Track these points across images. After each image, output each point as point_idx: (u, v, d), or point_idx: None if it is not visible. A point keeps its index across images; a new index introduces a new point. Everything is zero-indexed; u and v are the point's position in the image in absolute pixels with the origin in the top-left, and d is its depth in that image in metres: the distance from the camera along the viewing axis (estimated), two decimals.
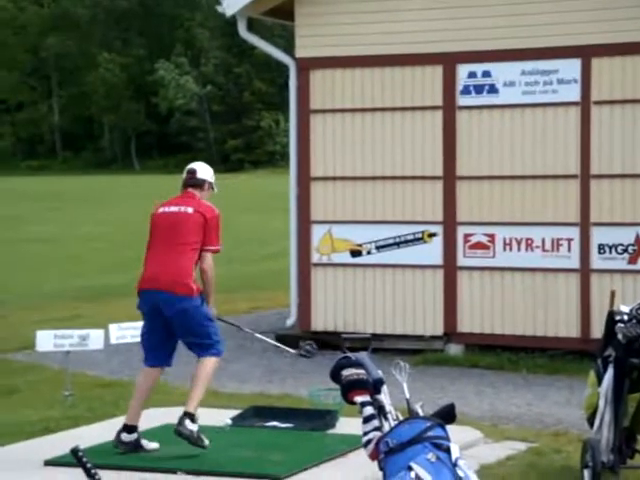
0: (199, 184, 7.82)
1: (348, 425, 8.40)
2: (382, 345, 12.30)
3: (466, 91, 12.46)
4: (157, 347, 7.71)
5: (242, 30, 13.66)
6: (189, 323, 7.54)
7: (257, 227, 29.82)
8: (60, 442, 7.97)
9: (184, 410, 7.52)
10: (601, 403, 7.21)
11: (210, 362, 7.61)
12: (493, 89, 12.34)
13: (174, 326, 7.60)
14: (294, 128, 13.49)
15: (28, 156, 74.04)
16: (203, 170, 7.91)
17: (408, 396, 4.63)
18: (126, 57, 74.21)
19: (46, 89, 78.24)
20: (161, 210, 7.78)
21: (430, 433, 4.32)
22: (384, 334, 12.67)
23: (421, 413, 4.54)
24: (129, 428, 7.64)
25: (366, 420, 4.57)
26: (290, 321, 13.72)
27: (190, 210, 7.66)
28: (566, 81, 12.06)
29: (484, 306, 12.46)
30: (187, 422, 7.46)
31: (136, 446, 7.59)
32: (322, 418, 8.70)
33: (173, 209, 7.72)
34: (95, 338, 10.31)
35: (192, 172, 7.85)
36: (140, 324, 10.51)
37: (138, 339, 10.66)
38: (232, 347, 12.18)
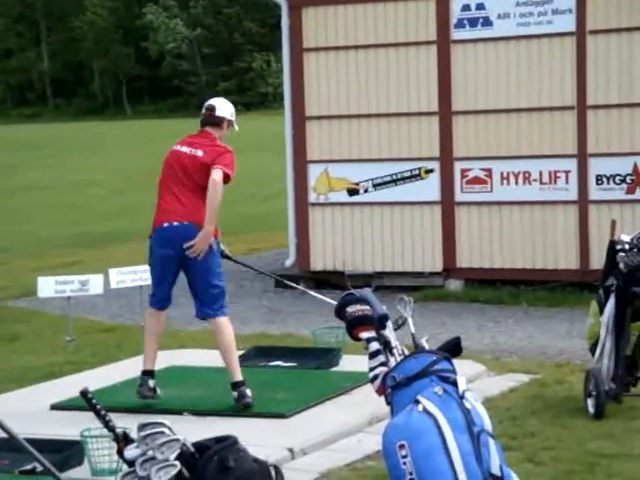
0: (217, 122, 7.49)
1: (351, 362, 8.43)
2: (382, 283, 12.33)
3: (460, 25, 12.35)
4: (167, 291, 7.53)
5: None
6: (203, 265, 7.31)
7: (253, 169, 29.72)
8: (65, 386, 8.01)
9: (233, 382, 7.36)
10: (602, 332, 7.24)
11: (224, 325, 7.39)
12: (487, 22, 12.24)
13: (188, 266, 7.36)
14: (288, 68, 13.39)
15: (19, 104, 73.56)
16: (223, 107, 7.55)
17: (413, 330, 4.63)
18: (114, 1, 73.49)
19: (34, 35, 77.57)
20: (175, 148, 7.50)
21: (436, 367, 4.32)
22: (383, 272, 12.68)
23: (427, 347, 4.54)
24: (149, 373, 7.51)
25: (372, 356, 4.57)
26: (289, 261, 13.73)
27: (200, 153, 7.36)
28: (561, 11, 11.96)
29: (483, 241, 12.46)
30: (247, 391, 7.32)
31: (155, 390, 7.53)
32: (325, 356, 8.73)
33: (185, 149, 7.43)
34: (95, 283, 10.32)
35: (211, 109, 7.50)
36: (140, 268, 10.57)
37: (138, 283, 10.72)
38: (232, 288, 12.18)
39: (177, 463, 3.77)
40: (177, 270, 7.48)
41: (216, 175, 7.23)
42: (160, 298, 7.54)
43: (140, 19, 69.89)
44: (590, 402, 7.18)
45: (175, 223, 7.33)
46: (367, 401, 7.08)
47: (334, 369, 8.58)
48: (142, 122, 53.04)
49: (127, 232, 18.89)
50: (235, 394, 7.36)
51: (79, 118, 63.93)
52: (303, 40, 13.01)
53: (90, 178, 30.75)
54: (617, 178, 11.89)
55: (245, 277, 14.09)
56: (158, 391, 7.51)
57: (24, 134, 46.89)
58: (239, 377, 7.39)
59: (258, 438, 6.47)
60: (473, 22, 12.30)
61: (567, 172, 12.06)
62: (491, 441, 4.08)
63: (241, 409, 7.31)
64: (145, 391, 7.45)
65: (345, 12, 12.82)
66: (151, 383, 7.48)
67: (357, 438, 6.91)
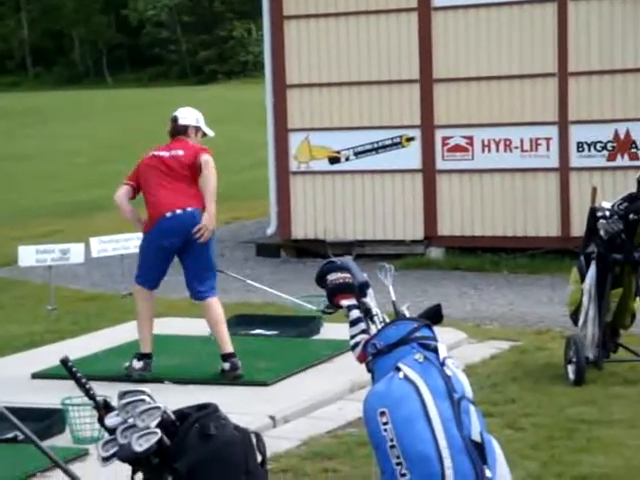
0: (183, 131, 7.54)
1: (332, 330, 8.45)
2: (363, 251, 12.34)
3: None
4: (162, 275, 7.54)
5: None
6: (203, 249, 7.34)
7: (234, 138, 29.64)
8: (46, 355, 8.00)
9: (223, 354, 7.37)
10: (585, 299, 7.27)
11: (215, 303, 7.44)
12: None
13: (189, 251, 7.36)
14: (268, 35, 13.32)
15: None
16: (186, 115, 7.59)
17: (394, 298, 4.63)
18: None
19: (14, 3, 76.94)
20: (153, 154, 7.53)
21: (417, 334, 4.32)
22: (365, 240, 12.69)
23: (407, 315, 4.55)
24: (149, 355, 7.49)
25: (353, 323, 4.57)
26: (270, 230, 13.72)
27: (181, 153, 7.40)
28: None
29: (464, 209, 12.46)
30: (238, 362, 7.35)
31: (145, 369, 7.51)
32: (306, 324, 8.74)
33: (163, 154, 7.47)
34: (76, 252, 10.30)
35: (174, 120, 7.58)
36: (121, 237, 10.55)
37: (119, 252, 10.70)
38: None
39: (158, 430, 3.76)
40: (173, 257, 7.50)
41: (206, 156, 7.33)
42: (152, 278, 7.53)
43: None
44: (570, 368, 7.22)
45: (178, 211, 7.33)
46: (348, 369, 7.09)
47: (315, 337, 8.60)
48: (123, 91, 52.77)
49: (108, 201, 18.79)
50: (227, 365, 7.37)
51: (59, 87, 63.53)
52: (283, 7, 12.94)
53: (72, 147, 30.60)
54: (598, 145, 11.91)
55: (226, 246, 14.09)
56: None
57: (4, 103, 46.60)
58: (230, 349, 7.40)
59: (240, 406, 6.49)
60: None
61: (548, 139, 12.07)
62: (472, 408, 4.09)
63: (231, 379, 7.31)
64: (146, 373, 7.41)
65: None
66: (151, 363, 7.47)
67: (338, 405, 6.94)
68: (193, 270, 7.46)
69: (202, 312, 7.59)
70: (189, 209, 7.33)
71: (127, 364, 7.47)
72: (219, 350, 7.43)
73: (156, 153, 7.54)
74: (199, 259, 7.42)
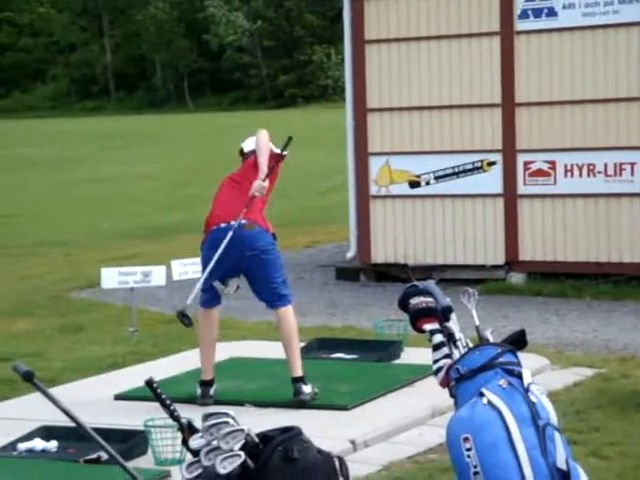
0: (248, 157, 7.59)
1: (413, 355, 8.40)
2: (444, 276, 12.27)
3: (524, 15, 12.23)
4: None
5: None
6: (265, 263, 7.31)
7: (314, 161, 29.75)
8: (128, 377, 8.07)
9: (292, 377, 7.33)
10: None
11: (288, 314, 7.37)
12: (552, 12, 12.11)
13: (249, 266, 7.34)
14: (349, 59, 13.36)
15: (82, 97, 74.25)
16: (247, 144, 7.66)
17: (478, 323, 4.59)
18: None
19: (97, 29, 78.23)
20: (226, 177, 7.65)
21: (501, 359, 4.28)
22: (445, 265, 12.62)
23: (491, 340, 4.50)
24: (210, 382, 7.48)
25: (436, 348, 4.53)
26: (350, 254, 13.71)
27: (252, 163, 7.45)
28: (627, 0, 11.79)
29: (546, 234, 12.34)
30: (303, 387, 7.30)
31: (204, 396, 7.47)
32: (387, 349, 8.70)
33: (235, 177, 7.58)
34: (158, 274, 10.37)
35: (240, 151, 7.70)
36: None
37: (200, 275, 10.75)
38: (291, 280, 12.18)
39: (241, 453, 3.76)
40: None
41: (258, 133, 7.35)
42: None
43: (201, 12, 70.21)
44: None
45: (231, 225, 7.30)
46: (429, 394, 7.05)
47: (396, 362, 8.55)
48: (203, 115, 53.31)
49: (188, 224, 18.99)
50: (293, 389, 7.35)
51: (141, 111, 64.40)
52: (365, 32, 12.97)
53: (152, 171, 30.98)
54: None
55: (305, 269, 14.10)
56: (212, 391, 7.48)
57: (87, 127, 47.34)
58: (298, 372, 7.36)
59: (320, 430, 6.46)
60: (537, 12, 12.18)
61: (632, 164, 11.91)
62: (557, 435, 4.03)
63: (297, 405, 7.29)
64: (207, 400, 7.40)
65: (407, 3, 12.76)
66: (212, 391, 7.45)
67: (419, 431, 6.88)
68: (260, 287, 7.43)
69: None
70: (241, 224, 7.28)
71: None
72: (291, 373, 7.36)
73: (229, 176, 7.62)
74: (262, 274, 7.36)
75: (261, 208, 7.45)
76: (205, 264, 7.53)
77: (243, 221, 7.30)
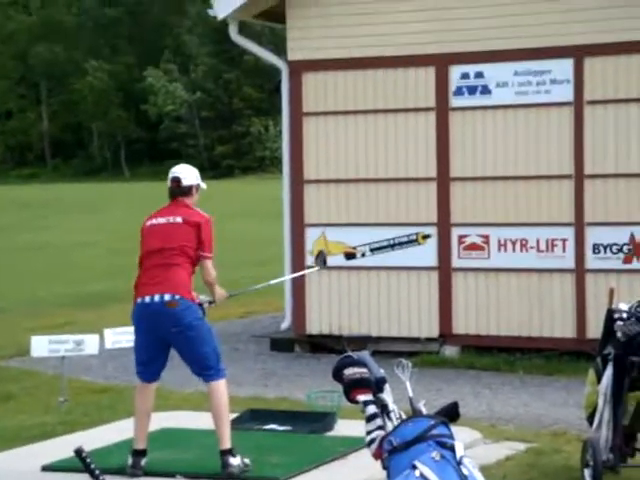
0: (186, 192, 7.50)
1: (346, 427, 8.37)
2: (378, 347, 12.23)
3: (459, 92, 12.44)
4: (153, 361, 7.42)
5: (233, 34, 13.62)
6: (192, 339, 7.23)
7: (249, 232, 29.78)
8: (57, 447, 7.93)
9: (220, 449, 7.25)
10: (600, 401, 7.19)
11: (220, 387, 7.30)
12: (486, 90, 12.33)
13: (175, 342, 7.28)
14: (287, 131, 13.46)
15: (18, 164, 73.92)
16: (187, 175, 7.52)
17: (411, 394, 4.61)
18: (115, 64, 74.13)
19: (35, 97, 78.14)
20: (149, 223, 7.50)
21: (434, 431, 4.30)
22: (380, 337, 12.63)
23: (424, 411, 4.51)
24: (142, 452, 7.39)
25: (369, 419, 4.54)
26: (285, 324, 13.69)
27: (179, 220, 7.37)
28: (559, 81, 12.05)
29: (479, 307, 12.43)
30: (231, 460, 7.22)
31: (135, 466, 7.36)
32: (320, 420, 8.67)
33: (161, 220, 7.44)
34: (90, 343, 10.26)
35: (177, 181, 7.48)
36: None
37: (133, 344, 10.66)
38: (226, 350, 12.12)
39: None
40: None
41: (210, 276, 7.41)
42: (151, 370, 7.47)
43: (140, 82, 70.46)
44: (587, 472, 7.10)
45: (154, 302, 7.29)
46: (363, 466, 7.01)
47: (329, 433, 8.51)
48: (139, 184, 53.21)
49: (123, 292, 18.82)
50: (221, 462, 7.26)
51: (77, 179, 64.16)
52: (303, 104, 13.09)
53: (89, 239, 30.78)
54: (614, 247, 11.90)
55: (239, 339, 14.04)
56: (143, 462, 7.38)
57: (23, 194, 46.99)
58: (226, 445, 7.26)
59: None
60: (472, 90, 12.39)
61: (564, 240, 12.08)
62: None
63: (226, 478, 7.20)
64: (137, 470, 7.30)
65: (345, 77, 12.91)
66: (143, 462, 7.34)
67: None
68: (190, 361, 7.38)
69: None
70: (163, 302, 7.25)
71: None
72: (219, 446, 7.27)
73: (153, 222, 7.52)
74: (190, 350, 7.31)
75: (188, 276, 7.34)
76: (135, 334, 7.48)
77: (167, 297, 7.23)
